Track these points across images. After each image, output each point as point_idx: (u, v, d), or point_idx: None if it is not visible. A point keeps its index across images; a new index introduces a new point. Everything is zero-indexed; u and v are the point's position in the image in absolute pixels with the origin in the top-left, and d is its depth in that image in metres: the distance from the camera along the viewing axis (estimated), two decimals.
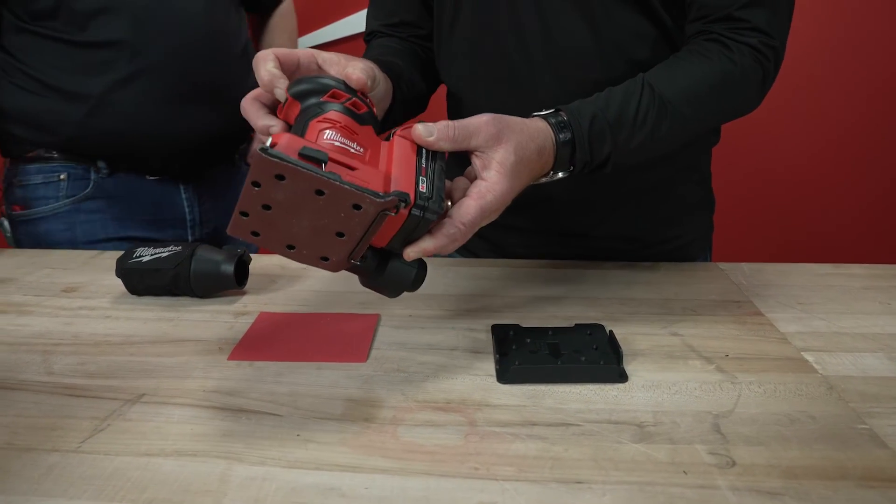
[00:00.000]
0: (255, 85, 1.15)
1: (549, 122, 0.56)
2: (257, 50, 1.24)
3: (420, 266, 0.52)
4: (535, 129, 0.55)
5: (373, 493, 0.40)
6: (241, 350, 0.58)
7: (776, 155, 1.71)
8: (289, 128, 0.53)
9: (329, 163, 0.43)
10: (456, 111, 0.81)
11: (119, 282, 0.73)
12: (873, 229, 1.73)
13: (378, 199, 0.43)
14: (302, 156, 0.42)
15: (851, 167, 1.70)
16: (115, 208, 0.99)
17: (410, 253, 0.49)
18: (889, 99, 1.65)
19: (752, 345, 0.59)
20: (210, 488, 0.41)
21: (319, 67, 0.56)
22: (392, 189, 0.46)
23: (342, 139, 0.48)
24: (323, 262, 0.48)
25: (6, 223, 0.99)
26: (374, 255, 0.50)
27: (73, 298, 0.71)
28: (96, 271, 0.79)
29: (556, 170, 0.58)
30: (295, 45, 1.31)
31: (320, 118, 0.50)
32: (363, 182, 0.44)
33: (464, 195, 0.51)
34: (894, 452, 0.44)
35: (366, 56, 0.74)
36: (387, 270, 0.50)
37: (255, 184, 0.43)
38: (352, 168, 0.45)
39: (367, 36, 0.82)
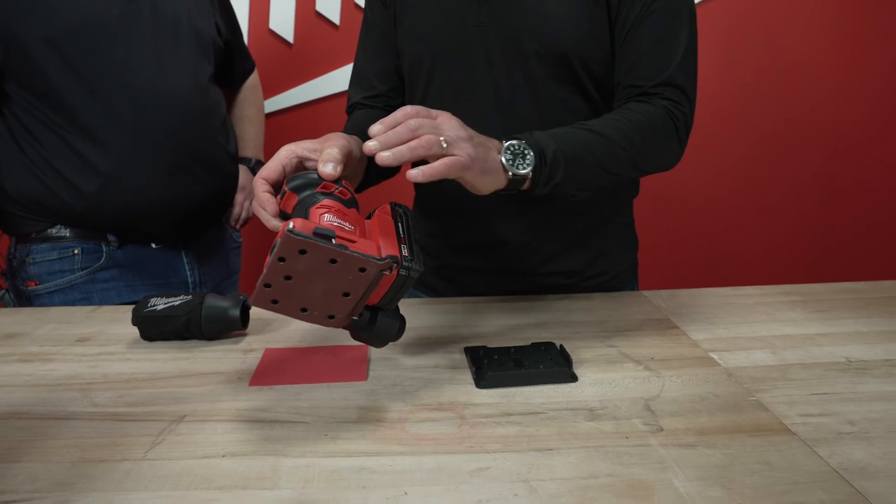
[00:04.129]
0: (234, 152, 1.27)
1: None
2: (231, 119, 1.37)
3: (401, 319, 0.64)
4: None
5: (396, 469, 0.52)
6: (259, 377, 0.69)
7: (688, 203, 1.96)
8: (286, 215, 0.65)
9: (336, 238, 0.55)
10: None
11: (127, 331, 0.82)
12: (763, 257, 2.01)
13: (379, 262, 0.55)
14: (316, 234, 0.53)
15: (744, 208, 1.98)
16: (127, 276, 1.07)
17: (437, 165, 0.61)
18: (774, 143, 1.94)
19: (671, 350, 0.75)
20: (265, 476, 0.51)
21: (300, 162, 0.68)
22: (383, 255, 0.58)
23: (338, 220, 0.60)
24: (329, 320, 0.59)
25: (9, 296, 1.05)
26: (366, 311, 0.62)
27: (89, 346, 0.79)
28: (101, 323, 0.87)
29: (504, 139, 0.69)
30: (262, 114, 1.44)
31: (318, 205, 0.62)
32: (364, 250, 0.55)
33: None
34: (773, 414, 0.59)
35: (346, 126, 0.88)
36: (377, 325, 0.62)
37: (281, 259, 0.53)
38: (352, 241, 0.56)
39: (349, 107, 0.97)
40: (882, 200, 1.99)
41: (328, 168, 0.64)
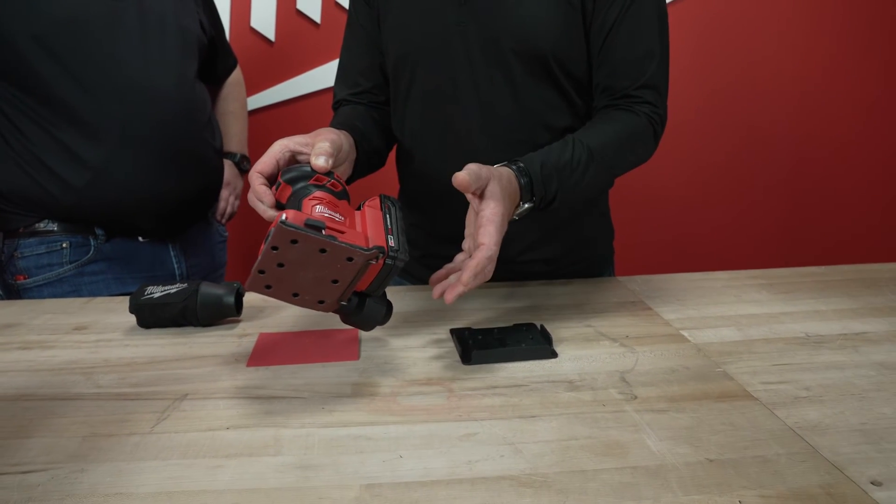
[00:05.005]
0: (220, 147, 1.30)
1: (511, 169, 0.75)
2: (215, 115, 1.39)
3: (388, 304, 0.68)
4: (504, 170, 0.73)
5: (390, 436, 0.56)
6: (255, 358, 0.72)
7: (659, 196, 2.02)
8: (281, 205, 0.69)
9: (326, 228, 0.59)
10: (406, 162, 0.99)
11: (122, 319, 0.85)
12: (729, 243, 2.10)
13: (365, 252, 0.58)
14: (307, 225, 0.57)
15: (718, 203, 2.05)
16: (115, 269, 1.09)
17: (465, 278, 0.66)
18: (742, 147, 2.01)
19: (645, 328, 0.80)
20: (269, 444, 0.55)
21: (293, 155, 0.71)
22: (370, 245, 0.61)
23: (329, 211, 0.63)
24: (320, 304, 0.62)
25: None
26: (354, 297, 0.66)
27: (87, 334, 0.81)
28: (96, 313, 0.89)
29: (522, 201, 0.76)
30: (245, 110, 1.47)
31: (310, 197, 0.66)
32: (352, 241, 0.59)
33: (476, 228, 0.68)
34: (737, 383, 0.64)
35: (333, 121, 0.92)
36: (365, 309, 0.66)
37: (275, 248, 0.56)
38: (341, 231, 0.60)
39: (335, 104, 1.00)
40: (846, 195, 2.08)
41: (320, 161, 0.68)
